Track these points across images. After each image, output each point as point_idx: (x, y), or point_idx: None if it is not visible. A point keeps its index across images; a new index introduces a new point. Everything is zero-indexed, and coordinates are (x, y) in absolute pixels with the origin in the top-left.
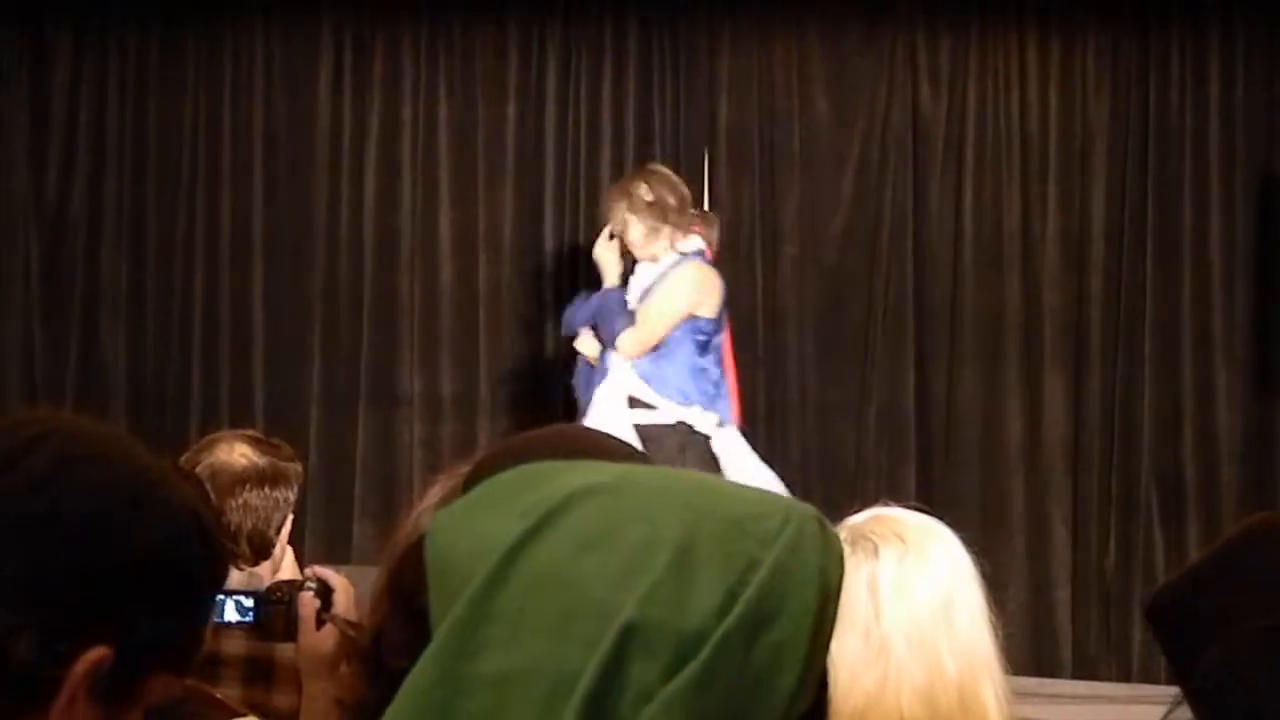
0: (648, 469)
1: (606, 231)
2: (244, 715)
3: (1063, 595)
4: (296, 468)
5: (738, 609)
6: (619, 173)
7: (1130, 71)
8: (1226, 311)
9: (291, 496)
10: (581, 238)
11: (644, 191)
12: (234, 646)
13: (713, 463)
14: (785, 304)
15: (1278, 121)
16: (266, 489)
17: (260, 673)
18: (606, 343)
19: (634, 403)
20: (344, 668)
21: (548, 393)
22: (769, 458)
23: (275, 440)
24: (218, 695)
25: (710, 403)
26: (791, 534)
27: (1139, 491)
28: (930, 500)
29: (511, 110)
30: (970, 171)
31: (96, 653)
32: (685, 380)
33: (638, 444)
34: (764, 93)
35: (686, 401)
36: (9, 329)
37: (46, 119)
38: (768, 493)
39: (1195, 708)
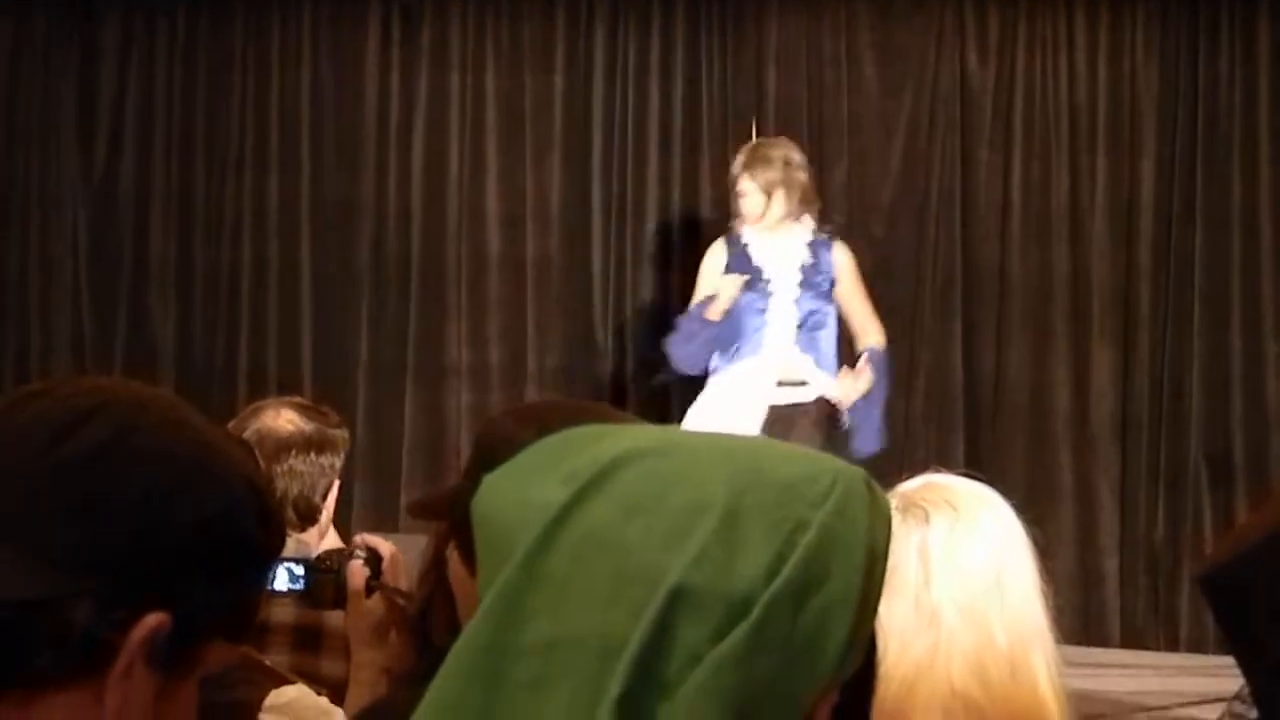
0: (691, 432)
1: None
2: (293, 682)
3: (1111, 566)
4: (343, 434)
5: (786, 572)
6: (666, 143)
7: (1179, 40)
8: (1275, 281)
9: (338, 463)
10: (629, 207)
11: (794, 167)
12: (282, 614)
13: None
14: None
15: None
16: (312, 455)
17: (309, 640)
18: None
19: (781, 383)
20: (392, 636)
21: (594, 361)
22: None
23: (323, 407)
24: (267, 663)
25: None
26: (839, 496)
27: (1187, 462)
28: (978, 470)
29: (559, 80)
30: (1019, 141)
31: (154, 619)
32: (833, 355)
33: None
34: (812, 62)
35: (833, 375)
36: (58, 303)
37: (95, 94)
38: (815, 454)
39: (1263, 689)
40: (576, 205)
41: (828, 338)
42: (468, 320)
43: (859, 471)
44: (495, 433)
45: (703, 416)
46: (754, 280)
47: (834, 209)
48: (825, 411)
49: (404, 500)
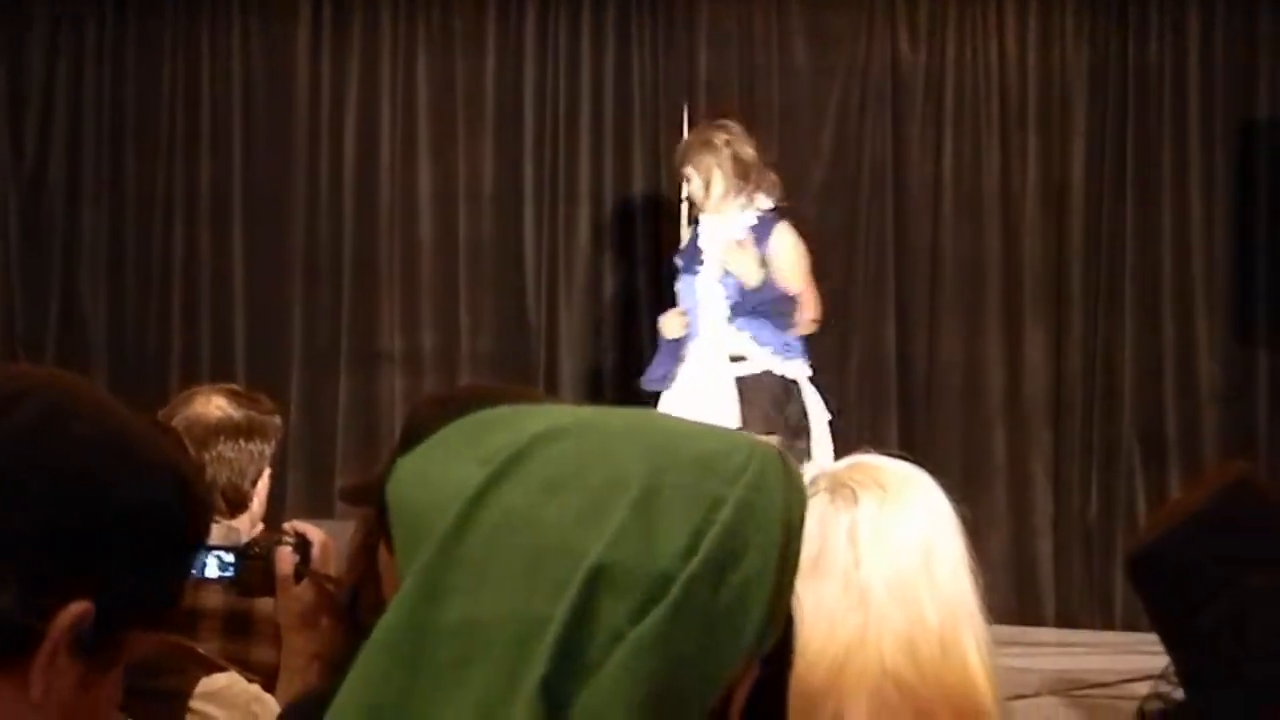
0: (608, 410)
1: (688, 202)
2: (225, 669)
3: (1045, 545)
4: (275, 421)
5: (704, 548)
6: (598, 126)
7: (1109, 19)
8: (1206, 259)
9: (269, 450)
10: (561, 190)
11: (731, 146)
12: (212, 601)
13: (805, 413)
14: None
15: (1256, 68)
16: (242, 441)
17: (239, 627)
18: (786, 322)
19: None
20: (323, 622)
21: (528, 345)
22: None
23: (255, 394)
24: (199, 650)
25: (797, 354)
26: (755, 471)
27: (1120, 440)
28: (911, 451)
29: (490, 64)
30: (950, 123)
31: (79, 606)
32: (783, 331)
33: (734, 402)
34: (743, 45)
35: (788, 354)
36: None
37: (25, 78)
38: (729, 430)
39: (1190, 665)
40: (509, 189)
41: (768, 316)
42: (400, 305)
43: (774, 446)
44: (419, 417)
45: (674, 405)
46: (694, 265)
47: None
48: (773, 386)
49: (338, 486)
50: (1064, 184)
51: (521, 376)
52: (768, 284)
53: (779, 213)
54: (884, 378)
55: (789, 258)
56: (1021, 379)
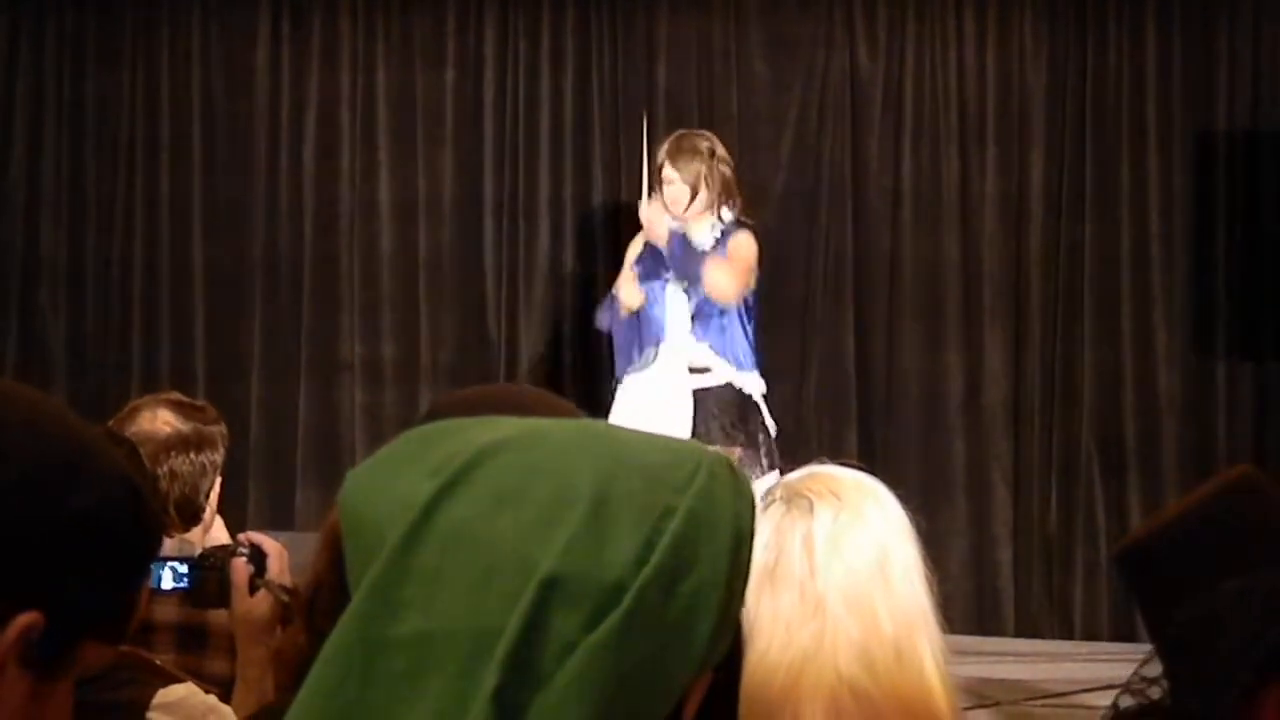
0: (556, 421)
1: (649, 189)
2: (182, 680)
3: (1004, 554)
4: (221, 430)
5: (655, 558)
6: (557, 137)
7: (1068, 32)
8: (1165, 269)
9: (218, 460)
10: (520, 202)
11: (717, 158)
12: (167, 613)
13: (763, 425)
14: None
15: (1214, 81)
16: (192, 454)
17: (193, 639)
18: (692, 281)
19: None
20: (278, 633)
21: (489, 356)
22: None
23: (199, 402)
24: (157, 662)
25: (755, 367)
26: (703, 480)
27: (1079, 450)
28: (871, 460)
29: (450, 75)
30: (909, 134)
31: (26, 618)
32: (743, 345)
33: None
34: (702, 55)
35: (742, 367)
36: None
37: None
38: (678, 440)
39: (1167, 658)
40: (469, 200)
41: (731, 325)
42: (361, 316)
43: (723, 455)
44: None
45: (628, 414)
46: (659, 272)
47: None
48: (733, 399)
49: (299, 498)
50: (1023, 194)
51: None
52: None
53: (738, 224)
54: (843, 386)
55: (741, 250)
56: (981, 388)
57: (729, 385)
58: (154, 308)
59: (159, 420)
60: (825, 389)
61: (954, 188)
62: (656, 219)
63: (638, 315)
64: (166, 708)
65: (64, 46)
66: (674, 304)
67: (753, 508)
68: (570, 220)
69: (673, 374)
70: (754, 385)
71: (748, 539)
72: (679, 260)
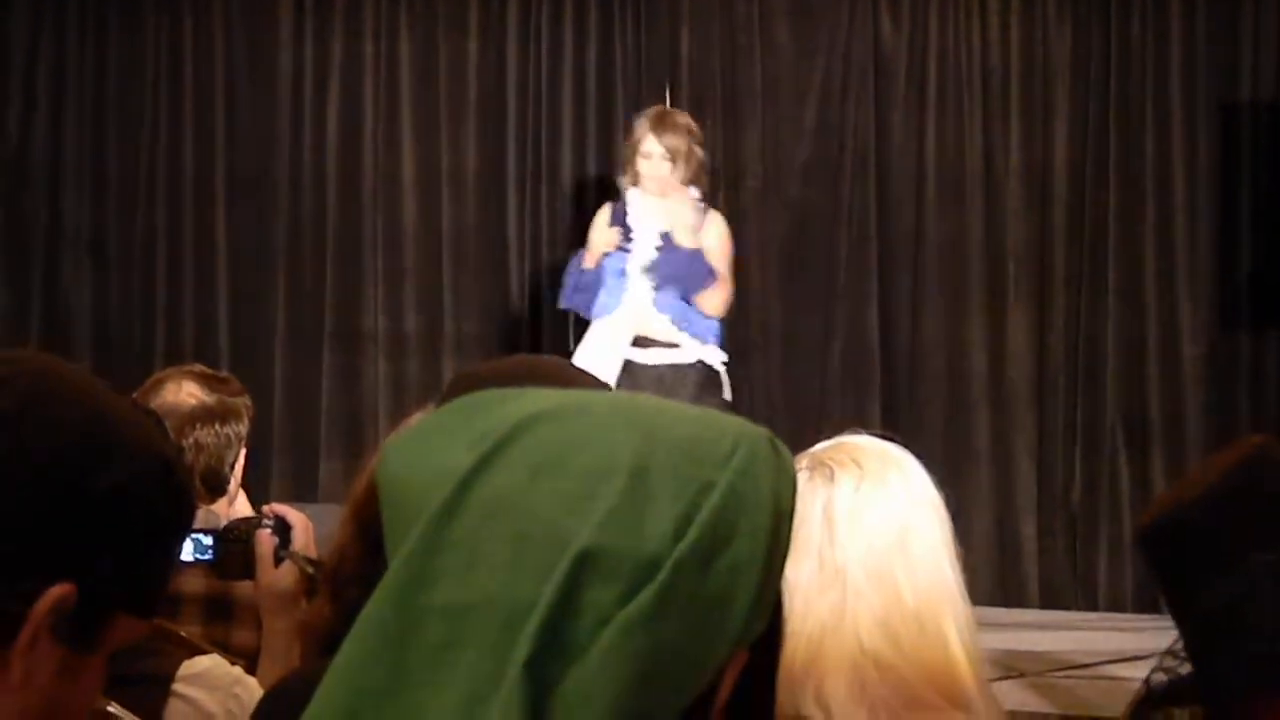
0: (596, 394)
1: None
2: (207, 652)
3: (1028, 527)
4: (246, 401)
5: (692, 533)
6: (580, 108)
7: (1091, 3)
8: (1189, 242)
9: (243, 431)
10: (544, 173)
11: (696, 138)
12: (193, 585)
13: (725, 403)
14: (748, 238)
15: (1238, 50)
16: (217, 425)
17: (220, 611)
18: (683, 291)
19: (643, 342)
20: (303, 604)
21: (512, 328)
22: (733, 391)
23: (223, 374)
24: (182, 633)
25: (715, 340)
26: (743, 456)
27: (1103, 423)
28: (894, 432)
29: (473, 46)
30: (932, 105)
31: (59, 591)
32: (704, 319)
33: (611, 381)
34: (725, 25)
35: (707, 340)
36: None
37: (6, 61)
38: (719, 415)
39: (1194, 638)
40: (492, 171)
41: (694, 300)
42: (384, 288)
43: (763, 431)
44: (464, 387)
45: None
46: (626, 240)
47: (748, 172)
48: (699, 375)
49: (322, 470)
50: (1047, 167)
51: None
52: (696, 254)
53: (705, 206)
54: (867, 360)
55: (720, 243)
56: (1004, 361)
57: (699, 361)
58: (177, 279)
59: (184, 392)
60: (849, 361)
61: (977, 159)
62: (602, 237)
63: (598, 273)
64: (192, 679)
65: (86, 18)
66: (636, 274)
67: (793, 485)
68: (592, 192)
69: (613, 342)
70: (715, 357)
71: (787, 516)
72: (668, 267)
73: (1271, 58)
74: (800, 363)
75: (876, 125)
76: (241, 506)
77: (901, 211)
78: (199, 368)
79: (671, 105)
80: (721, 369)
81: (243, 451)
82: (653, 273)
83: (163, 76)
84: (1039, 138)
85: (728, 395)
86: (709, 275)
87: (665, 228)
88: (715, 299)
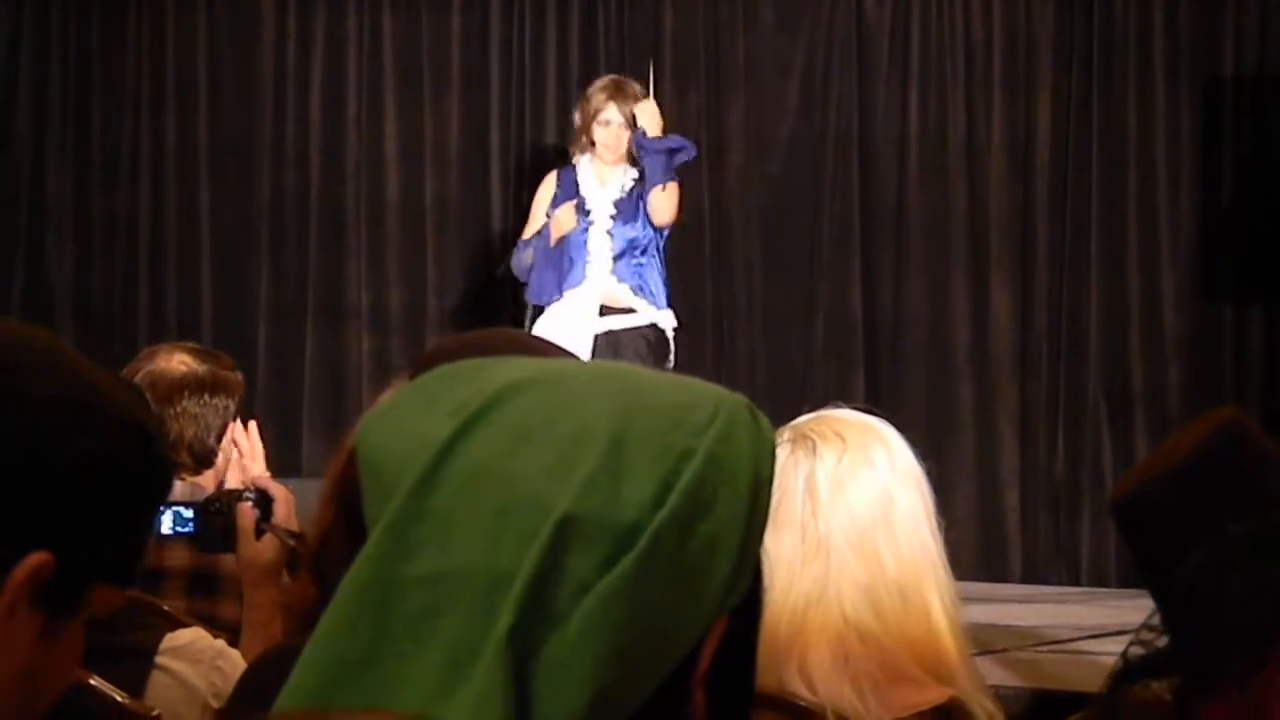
0: (576, 362)
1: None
2: (190, 625)
3: (1011, 500)
4: (238, 377)
5: (672, 500)
6: (563, 83)
7: None
8: (1172, 214)
9: (233, 405)
10: (527, 147)
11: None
12: (177, 559)
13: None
14: (731, 212)
15: (1221, 24)
16: (206, 396)
17: (204, 584)
18: (658, 181)
19: (605, 310)
20: (285, 577)
21: (495, 303)
22: (717, 365)
23: (216, 351)
24: (165, 607)
25: (665, 303)
26: (722, 423)
27: (1086, 395)
28: (878, 407)
29: (456, 21)
30: (915, 79)
31: (37, 558)
32: (660, 283)
33: (583, 352)
34: (708, 1)
35: (660, 305)
36: None
37: None
38: (698, 383)
39: (1170, 610)
40: (475, 146)
41: (649, 263)
42: (367, 262)
43: (742, 399)
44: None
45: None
46: (579, 210)
47: (731, 147)
48: (655, 337)
49: (305, 444)
50: (1030, 141)
51: None
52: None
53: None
54: (850, 333)
55: (672, 187)
56: (988, 334)
57: (653, 325)
58: (160, 253)
59: (175, 360)
60: (832, 334)
61: (960, 133)
62: (566, 219)
63: (561, 248)
64: (175, 651)
65: None
66: (596, 246)
67: (772, 453)
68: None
69: (582, 313)
70: (667, 321)
71: (767, 483)
72: (653, 155)
73: (1254, 30)
74: (783, 336)
75: (860, 99)
76: (231, 480)
77: (884, 185)
78: (192, 344)
79: (655, 80)
80: (670, 334)
81: (231, 425)
82: (622, 259)
83: (145, 49)
84: (1021, 111)
85: (670, 363)
86: (671, 170)
87: (619, 195)
88: (666, 202)
